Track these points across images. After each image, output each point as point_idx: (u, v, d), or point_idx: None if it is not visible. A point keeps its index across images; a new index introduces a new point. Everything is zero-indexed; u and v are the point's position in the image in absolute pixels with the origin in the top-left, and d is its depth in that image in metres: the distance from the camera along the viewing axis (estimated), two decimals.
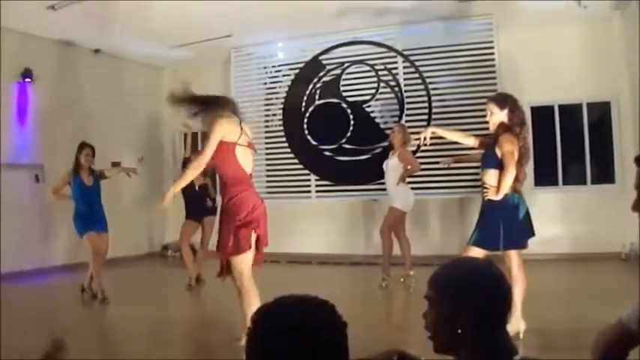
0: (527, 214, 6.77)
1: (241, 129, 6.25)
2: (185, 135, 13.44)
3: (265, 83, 15.77)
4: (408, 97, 14.17)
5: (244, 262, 6.18)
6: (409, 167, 10.67)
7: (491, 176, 6.71)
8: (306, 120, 14.96)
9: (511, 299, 2.45)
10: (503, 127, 6.73)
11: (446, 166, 9.36)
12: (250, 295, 6.13)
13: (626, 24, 12.48)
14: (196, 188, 11.61)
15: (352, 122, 14.51)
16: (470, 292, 2.31)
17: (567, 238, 12.73)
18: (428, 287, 2.45)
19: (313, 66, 15.04)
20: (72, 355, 6.55)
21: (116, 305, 9.71)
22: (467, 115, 13.02)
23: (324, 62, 14.96)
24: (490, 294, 2.34)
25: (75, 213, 10.08)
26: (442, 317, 2.37)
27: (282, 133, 15.13)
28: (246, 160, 6.28)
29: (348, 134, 14.51)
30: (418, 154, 12.16)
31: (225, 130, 6.15)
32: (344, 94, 14.74)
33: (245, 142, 6.26)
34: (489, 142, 6.94)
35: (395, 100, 14.27)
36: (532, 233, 6.83)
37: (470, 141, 7.49)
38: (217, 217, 6.44)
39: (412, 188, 11.20)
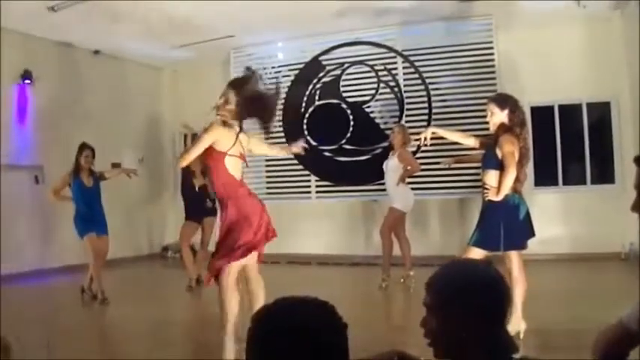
0: (528, 214, 6.77)
1: (237, 138, 6.19)
2: (185, 136, 13.46)
3: (265, 84, 15.73)
4: (407, 97, 14.17)
5: (235, 264, 6.16)
6: (409, 168, 10.67)
7: (491, 177, 6.71)
8: (305, 120, 14.95)
9: (510, 298, 2.45)
10: (503, 128, 6.73)
11: (446, 166, 9.37)
12: (234, 295, 6.11)
13: (625, 24, 12.48)
14: (196, 189, 11.63)
15: (352, 123, 14.50)
16: (469, 293, 2.31)
17: (567, 239, 12.73)
18: (426, 293, 2.45)
19: (313, 66, 15.04)
20: (72, 355, 6.57)
21: (116, 306, 9.73)
22: (467, 115, 13.04)
23: (324, 63, 14.96)
24: (489, 294, 2.34)
25: (75, 214, 10.11)
26: (442, 322, 2.37)
27: (282, 134, 15.13)
28: (235, 168, 6.23)
29: (348, 135, 14.51)
30: (418, 155, 12.17)
31: (217, 136, 6.10)
32: (344, 94, 14.74)
33: (237, 153, 6.18)
34: (490, 142, 6.93)
35: (395, 101, 14.27)
36: (532, 234, 6.83)
37: (470, 141, 7.49)
38: (221, 225, 6.34)
39: (412, 189, 11.20)
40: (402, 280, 10.71)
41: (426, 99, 13.96)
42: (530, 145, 7.29)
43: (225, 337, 6.03)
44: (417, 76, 14.05)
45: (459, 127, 11.49)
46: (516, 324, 6.59)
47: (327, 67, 14.94)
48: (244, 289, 6.40)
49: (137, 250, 15.82)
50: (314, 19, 13.19)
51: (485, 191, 6.79)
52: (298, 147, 7.51)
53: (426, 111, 13.92)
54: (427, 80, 13.96)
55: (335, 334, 1.98)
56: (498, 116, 6.81)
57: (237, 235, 6.06)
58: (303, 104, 15.05)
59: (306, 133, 14.80)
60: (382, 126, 14.29)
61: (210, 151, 6.10)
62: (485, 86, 13.07)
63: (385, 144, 13.05)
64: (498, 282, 2.39)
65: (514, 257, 6.72)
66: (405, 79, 14.24)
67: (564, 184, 13.50)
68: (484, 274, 2.41)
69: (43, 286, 12.11)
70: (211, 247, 9.39)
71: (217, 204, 6.55)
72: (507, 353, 2.34)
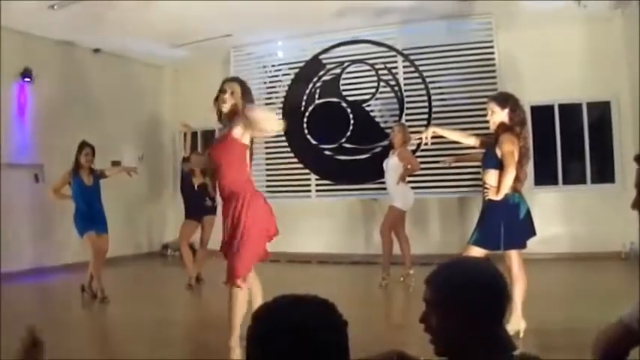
0: (528, 213, 6.77)
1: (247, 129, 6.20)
2: (185, 134, 13.46)
3: (265, 82, 15.75)
4: (407, 96, 14.14)
5: None
6: (409, 166, 10.67)
7: (491, 176, 6.70)
8: (306, 119, 14.94)
9: (510, 296, 2.45)
10: (503, 127, 6.73)
11: (446, 165, 9.39)
12: (246, 297, 6.11)
13: (626, 23, 12.48)
14: (195, 188, 11.64)
15: (352, 121, 14.47)
16: (469, 291, 2.31)
17: (567, 238, 12.72)
18: (426, 288, 2.45)
19: (313, 65, 15.03)
20: (72, 354, 6.56)
21: (116, 305, 9.72)
22: (467, 114, 12.99)
23: (324, 61, 14.95)
24: (489, 291, 2.34)
25: (75, 213, 10.10)
26: (442, 319, 2.37)
27: (282, 133, 15.13)
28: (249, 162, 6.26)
29: (348, 133, 14.49)
30: (418, 154, 12.20)
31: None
32: (344, 93, 14.71)
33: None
34: (490, 141, 6.93)
35: (395, 100, 14.25)
36: (533, 233, 6.83)
37: (470, 140, 7.49)
38: (237, 220, 6.24)
39: (412, 187, 11.20)
40: (401, 278, 10.71)
41: (426, 98, 13.93)
42: (531, 144, 7.30)
43: (231, 342, 6.01)
44: (417, 74, 14.03)
45: (459, 126, 11.51)
46: (516, 323, 6.60)
47: (328, 66, 14.92)
48: None
49: (137, 248, 15.83)
50: (314, 18, 13.18)
51: (486, 190, 6.79)
52: None
53: (426, 110, 13.90)
54: (427, 79, 13.93)
55: (335, 332, 1.98)
56: (499, 115, 6.81)
57: (255, 237, 6.05)
58: (303, 103, 15.03)
59: (306, 131, 14.81)
60: (382, 125, 14.27)
61: (235, 144, 6.07)
62: (485, 85, 13.04)
63: (385, 143, 13.04)
64: (498, 280, 2.39)
65: (514, 256, 6.72)
66: (405, 78, 14.21)
67: (564, 183, 13.50)
68: (484, 271, 2.41)
69: (42, 284, 12.13)
70: (211, 246, 9.42)
71: (221, 200, 6.43)
72: (506, 351, 2.34)
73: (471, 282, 2.34)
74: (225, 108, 6.16)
